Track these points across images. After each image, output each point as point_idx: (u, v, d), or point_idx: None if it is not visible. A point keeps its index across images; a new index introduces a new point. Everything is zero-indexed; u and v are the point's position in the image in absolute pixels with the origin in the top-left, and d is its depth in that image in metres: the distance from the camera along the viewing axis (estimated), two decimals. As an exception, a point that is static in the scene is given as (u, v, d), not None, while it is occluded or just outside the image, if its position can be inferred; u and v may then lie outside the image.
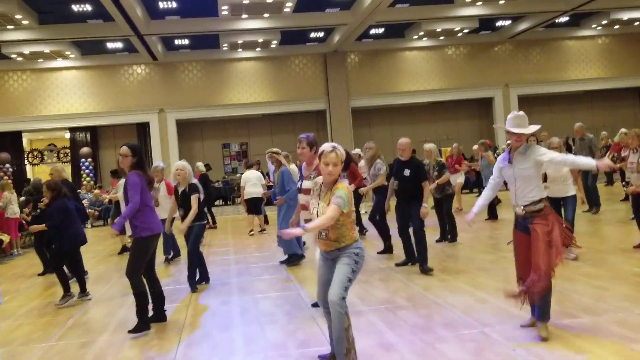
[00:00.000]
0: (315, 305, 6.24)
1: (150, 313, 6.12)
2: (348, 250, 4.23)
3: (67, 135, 23.64)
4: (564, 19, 22.31)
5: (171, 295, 7.42)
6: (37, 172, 24.22)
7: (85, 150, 23.37)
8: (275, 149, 9.41)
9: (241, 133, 25.09)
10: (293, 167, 11.24)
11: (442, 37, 22.97)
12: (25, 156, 23.46)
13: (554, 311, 4.99)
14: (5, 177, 18.09)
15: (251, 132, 25.12)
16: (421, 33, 21.86)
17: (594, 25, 23.83)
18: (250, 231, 12.94)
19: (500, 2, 18.97)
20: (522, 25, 22.55)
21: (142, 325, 5.91)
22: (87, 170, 23.16)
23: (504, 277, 6.92)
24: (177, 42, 21.46)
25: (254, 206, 12.88)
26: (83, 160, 23.28)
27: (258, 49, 22.48)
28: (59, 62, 21.95)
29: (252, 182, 12.72)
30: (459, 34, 22.28)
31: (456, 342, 4.84)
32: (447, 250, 9.28)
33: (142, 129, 23.49)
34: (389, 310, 6.00)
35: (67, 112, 22.34)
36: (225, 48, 21.85)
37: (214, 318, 6.34)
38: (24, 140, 23.94)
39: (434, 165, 9.77)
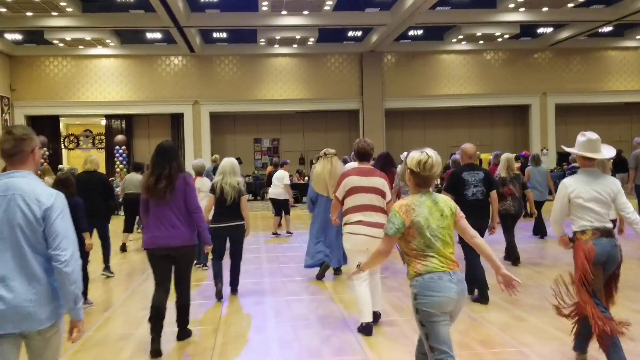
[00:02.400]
0: (361, 330, 5.68)
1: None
2: (411, 289, 3.50)
3: (103, 122, 23.99)
4: (607, 28, 21.88)
5: (205, 292, 7.49)
6: (71, 157, 24.65)
7: (119, 137, 23.69)
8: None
9: (273, 129, 25.17)
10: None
11: (481, 42, 22.72)
12: (62, 141, 23.86)
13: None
14: (45, 163, 18.42)
15: (283, 129, 25.19)
16: (460, 36, 21.66)
17: (638, 37, 23.33)
18: (274, 233, 12.80)
19: (544, 10, 18.68)
20: (564, 34, 22.18)
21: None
22: (120, 158, 23.48)
23: (539, 294, 6.82)
24: (215, 35, 21.60)
25: (279, 207, 12.75)
26: (117, 147, 23.60)
27: (295, 46, 22.50)
28: (99, 50, 22.26)
29: (274, 183, 12.54)
30: (499, 39, 22.01)
31: (494, 360, 4.80)
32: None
33: (176, 120, 23.72)
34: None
35: (103, 99, 22.66)
36: (262, 43, 21.92)
37: (248, 318, 6.38)
38: (61, 125, 24.36)
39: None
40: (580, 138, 4.56)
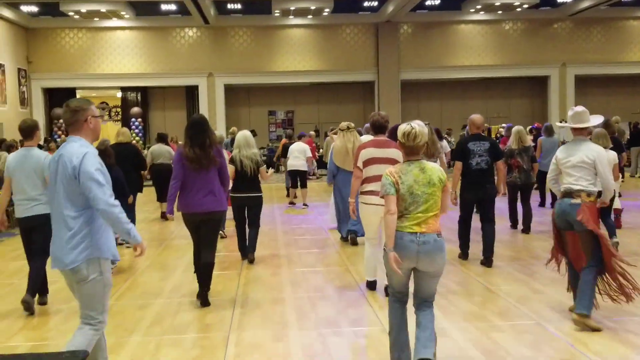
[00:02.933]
0: (368, 285, 6.20)
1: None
2: None
3: (119, 94, 24.05)
4: (629, -3, 21.39)
5: (222, 263, 7.56)
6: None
7: (135, 110, 23.76)
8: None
9: (288, 101, 25.08)
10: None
11: (500, 12, 22.32)
12: (78, 113, 23.99)
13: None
14: (63, 136, 18.59)
15: (297, 101, 25.09)
16: (479, 6, 21.28)
17: (661, 6, 22.80)
18: (291, 203, 12.99)
19: (564, -22, 18.27)
20: (585, 3, 21.71)
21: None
22: (136, 130, 23.58)
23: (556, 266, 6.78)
24: (229, 6, 21.43)
25: (297, 179, 12.87)
26: (133, 119, 23.70)
27: (309, 17, 22.27)
28: (114, 22, 22.21)
29: (294, 155, 12.64)
30: (518, 9, 21.60)
31: (512, 332, 4.81)
32: (498, 236, 9.14)
33: (191, 92, 23.71)
34: (440, 294, 5.96)
35: (119, 72, 22.67)
36: (277, 14, 21.73)
37: (265, 289, 6.44)
38: (77, 97, 24.45)
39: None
40: (570, 112, 5.25)
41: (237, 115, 24.37)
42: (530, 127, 16.24)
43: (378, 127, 6.21)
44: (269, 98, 24.95)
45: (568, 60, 23.62)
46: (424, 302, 3.97)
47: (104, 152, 7.12)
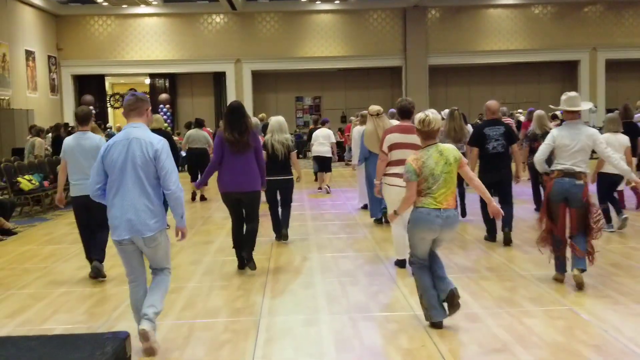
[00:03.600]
0: (398, 264, 6.37)
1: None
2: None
3: (147, 81, 24.26)
4: (665, -22, 20.79)
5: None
6: (117, 116, 25.08)
7: (163, 96, 23.96)
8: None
9: (315, 87, 25.03)
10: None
11: (529, -5, 21.92)
12: (108, 99, 24.28)
13: None
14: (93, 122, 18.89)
15: (325, 86, 25.02)
16: (508, -10, 20.91)
17: (698, -13, 22.12)
18: (319, 188, 13.07)
19: (598, -41, 17.82)
20: (618, -15, 21.18)
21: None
22: (164, 116, 23.78)
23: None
24: (256, -8, 21.42)
25: (323, 164, 12.93)
26: (161, 106, 23.91)
27: (337, 2, 22.14)
28: (142, 9, 22.36)
29: (319, 141, 12.70)
30: (548, -8, 21.17)
31: (544, 318, 4.77)
32: (526, 219, 9.05)
33: (219, 78, 23.80)
34: (471, 279, 5.95)
35: (147, 58, 22.85)
36: (303, -1, 21.66)
37: (296, 274, 6.48)
38: (106, 84, 24.75)
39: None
40: (562, 97, 5.66)
41: (264, 101, 24.42)
42: (554, 113, 15.95)
43: (404, 113, 6.46)
44: (296, 84, 24.92)
45: (599, 44, 23.12)
46: (433, 254, 4.70)
47: None
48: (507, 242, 7.24)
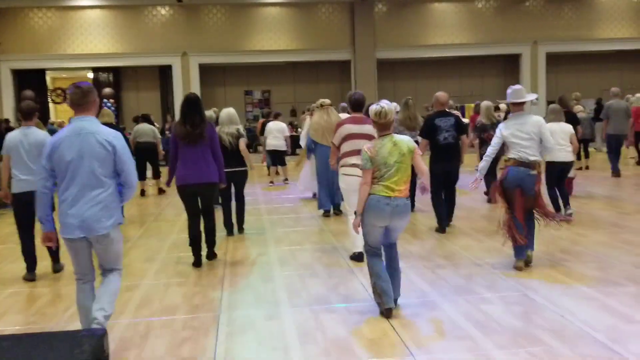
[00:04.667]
0: (354, 258, 6.38)
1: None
2: None
3: (90, 75, 23.53)
4: (601, -25, 21.57)
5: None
6: (59, 111, 24.27)
7: (107, 90, 23.30)
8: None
9: (264, 80, 24.82)
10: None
11: (473, -11, 22.35)
12: (49, 94, 23.44)
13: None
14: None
15: (274, 80, 24.85)
16: (452, -16, 21.26)
17: (631, -17, 23.05)
18: (271, 182, 13.01)
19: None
20: (557, -20, 21.84)
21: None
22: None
23: (540, 238, 6.91)
24: (202, -16, 21.05)
25: (276, 158, 12.90)
26: (105, 100, 23.24)
27: (284, -5, 22.02)
28: (84, 1, 21.65)
29: (273, 134, 12.66)
30: (491, -13, 21.64)
31: (501, 304, 4.89)
32: (476, 209, 9.26)
33: (165, 72, 23.31)
34: (427, 268, 6.04)
35: (90, 52, 22.13)
36: (251, -8, 21.43)
37: (254, 268, 6.43)
38: (48, 79, 23.88)
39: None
40: (508, 90, 5.86)
41: (213, 95, 24.05)
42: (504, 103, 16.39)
43: (357, 105, 6.63)
44: (245, 78, 24.66)
45: (539, 37, 23.78)
46: (391, 245, 4.86)
47: None
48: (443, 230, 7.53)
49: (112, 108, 23.18)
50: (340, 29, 23.16)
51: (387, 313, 4.65)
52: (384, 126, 4.66)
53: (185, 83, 22.74)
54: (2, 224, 9.60)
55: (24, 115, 6.16)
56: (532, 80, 23.83)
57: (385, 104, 4.66)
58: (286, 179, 13.02)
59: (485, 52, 23.85)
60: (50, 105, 23.73)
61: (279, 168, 13.05)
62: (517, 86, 5.95)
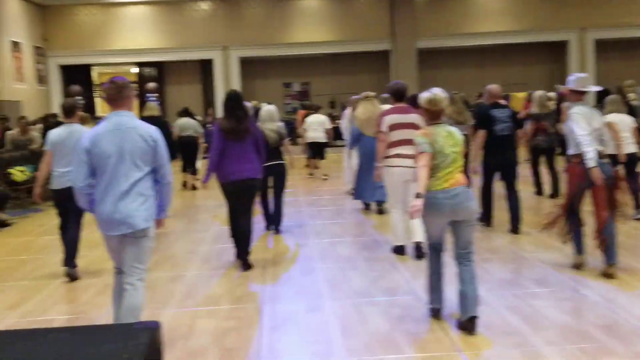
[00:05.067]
0: (396, 250, 6.28)
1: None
2: None
3: (134, 70, 23.97)
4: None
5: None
6: (105, 105, 24.80)
7: (151, 85, 23.71)
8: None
9: (303, 72, 24.83)
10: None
11: (517, -24, 21.81)
12: (95, 89, 23.97)
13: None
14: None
15: (313, 72, 24.83)
16: (496, -29, 20.79)
17: (685, -35, 22.11)
18: (310, 174, 12.98)
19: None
20: (606, -36, 21.12)
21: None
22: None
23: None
24: (243, -23, 21.15)
25: (317, 150, 12.83)
26: (149, 95, 23.65)
27: (324, -14, 21.94)
28: (127, -3, 22.08)
29: (314, 127, 12.62)
30: (537, -27, 21.08)
31: (551, 299, 4.75)
32: (529, 203, 9.02)
33: (206, 66, 23.55)
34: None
35: (134, 47, 22.53)
36: (291, -16, 21.43)
37: (294, 261, 6.43)
38: (93, 74, 24.43)
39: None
40: (571, 77, 5.55)
41: (252, 87, 24.19)
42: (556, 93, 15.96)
43: (399, 94, 6.52)
44: (285, 70, 24.72)
45: (587, 24, 23.06)
46: (464, 254, 4.37)
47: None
48: (516, 232, 7.06)
49: (157, 102, 23.58)
50: (379, 19, 22.95)
51: (432, 312, 4.49)
52: (435, 114, 4.41)
53: (226, 76, 22.95)
54: (52, 215, 9.83)
55: (65, 113, 6.23)
56: (580, 68, 23.12)
57: (437, 90, 4.46)
58: (325, 175, 12.82)
59: (530, 40, 23.29)
60: (97, 99, 24.24)
61: (319, 162, 12.97)
62: (582, 74, 5.61)
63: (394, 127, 6.22)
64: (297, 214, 8.92)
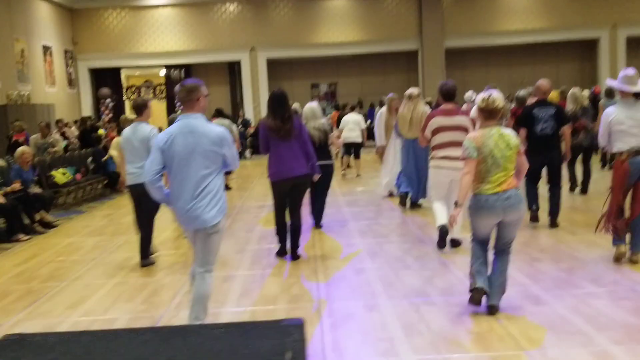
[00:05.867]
0: (441, 232, 6.34)
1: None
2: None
3: (162, 72, 24.24)
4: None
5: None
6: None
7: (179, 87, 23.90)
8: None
9: (330, 73, 24.89)
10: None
11: (546, -27, 21.63)
12: (124, 92, 24.27)
13: None
14: (109, 115, 18.97)
15: (340, 73, 24.89)
16: (525, -31, 20.65)
17: None
18: (343, 173, 13.02)
19: None
20: (637, -40, 20.85)
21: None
22: (181, 108, 23.74)
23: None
24: (270, -21, 21.28)
25: (352, 150, 12.87)
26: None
27: (351, -14, 21.98)
28: (156, 0, 22.30)
29: (349, 127, 12.65)
30: (566, -30, 20.89)
31: (610, 299, 4.74)
32: (568, 201, 8.99)
33: (233, 67, 23.73)
34: (524, 261, 5.91)
35: (162, 50, 22.80)
36: (318, -15, 21.51)
37: (344, 260, 6.48)
38: (122, 76, 24.74)
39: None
40: (621, 74, 5.57)
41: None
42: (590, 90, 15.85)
43: (449, 95, 6.50)
44: (312, 71, 24.80)
45: (619, 20, 22.78)
46: (506, 248, 4.60)
47: None
48: (554, 225, 7.17)
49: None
50: (406, 19, 22.93)
51: (474, 293, 4.47)
52: (490, 114, 4.43)
53: (254, 78, 23.11)
54: (95, 217, 10.04)
55: (135, 111, 6.64)
56: (611, 66, 22.86)
57: (494, 91, 4.51)
58: (359, 175, 12.88)
59: (559, 38, 23.07)
60: (126, 102, 24.56)
61: (353, 161, 13.00)
62: (631, 71, 5.58)
63: (439, 129, 6.30)
64: (337, 213, 8.98)
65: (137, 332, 1.98)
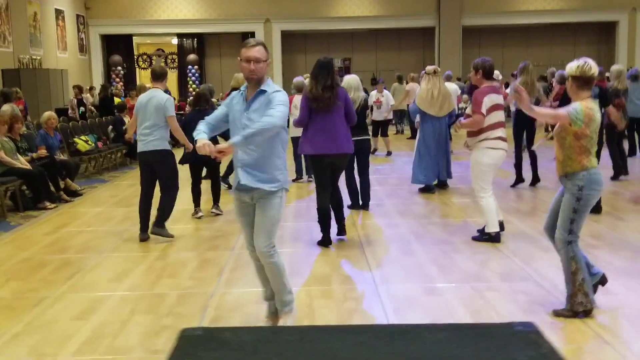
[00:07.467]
0: (492, 239, 6.00)
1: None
2: (571, 180, 3.99)
3: (174, 41, 23.80)
4: None
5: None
6: (144, 76, 24.68)
7: (192, 57, 23.54)
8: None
9: (345, 48, 24.49)
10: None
11: (569, -48, 21.18)
12: (135, 60, 23.85)
13: None
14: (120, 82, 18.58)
15: (355, 48, 24.49)
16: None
17: None
18: (374, 150, 12.78)
19: None
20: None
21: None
22: (192, 78, 23.42)
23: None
24: (288, -52, 20.79)
25: (379, 129, 12.59)
26: (189, 67, 23.51)
27: (369, -41, 21.50)
28: (170, -34, 21.81)
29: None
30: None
31: None
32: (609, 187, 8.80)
33: (247, 38, 23.27)
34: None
35: (175, 17, 22.36)
36: (336, -43, 21.02)
37: (390, 241, 6.30)
38: (134, 44, 24.29)
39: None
40: None
41: (293, 62, 23.95)
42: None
43: (491, 72, 6.27)
44: (326, 45, 24.36)
45: (638, 5, 22.40)
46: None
47: (202, 97, 7.62)
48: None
49: (197, 74, 23.46)
50: (424, -6, 22.49)
51: (586, 314, 4.07)
52: (586, 83, 3.96)
53: (268, 49, 22.67)
54: (120, 186, 9.83)
55: (153, 78, 6.50)
56: (629, 50, 22.56)
57: (589, 59, 4.06)
58: (389, 152, 12.60)
59: (578, 19, 22.70)
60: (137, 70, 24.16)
61: (382, 139, 12.69)
62: None
63: (495, 107, 6.01)
64: (372, 192, 8.75)
65: (347, 330, 1.73)
